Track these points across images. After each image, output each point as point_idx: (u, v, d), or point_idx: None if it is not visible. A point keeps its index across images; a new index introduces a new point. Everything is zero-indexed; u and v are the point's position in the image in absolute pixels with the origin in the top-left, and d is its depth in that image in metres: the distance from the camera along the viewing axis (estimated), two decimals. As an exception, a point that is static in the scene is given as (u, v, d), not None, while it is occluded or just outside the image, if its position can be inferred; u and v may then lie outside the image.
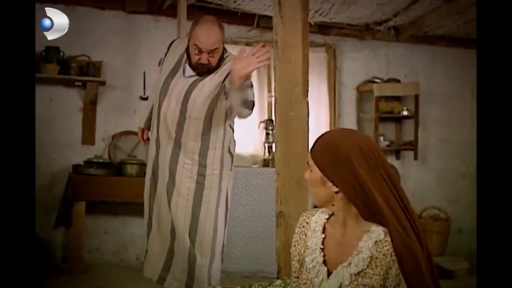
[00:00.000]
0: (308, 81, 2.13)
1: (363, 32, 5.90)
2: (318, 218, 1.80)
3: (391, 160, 6.06)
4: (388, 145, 5.94)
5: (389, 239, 1.64)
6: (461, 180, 6.39)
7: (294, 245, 1.83)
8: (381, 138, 5.90)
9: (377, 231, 1.67)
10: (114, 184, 4.77)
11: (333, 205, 1.80)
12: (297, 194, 2.07)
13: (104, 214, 5.20)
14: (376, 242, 1.65)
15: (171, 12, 5.22)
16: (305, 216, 1.85)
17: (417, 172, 6.16)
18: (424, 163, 6.20)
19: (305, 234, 1.80)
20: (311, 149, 1.73)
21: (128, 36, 5.34)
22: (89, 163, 4.82)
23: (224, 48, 3.08)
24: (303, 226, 1.83)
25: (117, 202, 5.02)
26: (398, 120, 6.14)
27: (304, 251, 1.78)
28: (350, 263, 1.66)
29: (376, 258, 1.64)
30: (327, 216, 1.79)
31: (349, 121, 6.02)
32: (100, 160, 4.89)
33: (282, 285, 2.09)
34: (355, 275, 1.65)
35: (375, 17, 5.48)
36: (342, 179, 1.67)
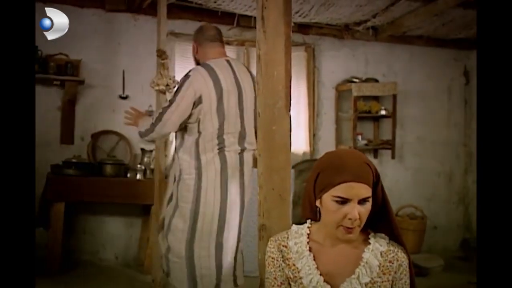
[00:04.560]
0: (290, 95, 2.15)
1: (342, 31, 5.93)
2: (297, 240, 1.79)
3: (369, 158, 6.12)
4: (366, 144, 6.00)
5: (391, 247, 1.75)
6: (437, 178, 6.50)
7: (274, 271, 1.80)
8: (359, 137, 5.97)
9: (378, 242, 1.76)
10: (94, 185, 4.76)
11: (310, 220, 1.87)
12: (279, 208, 2.08)
13: (82, 214, 5.18)
14: (381, 252, 1.73)
15: (151, 11, 5.19)
16: (280, 240, 1.82)
17: (394, 171, 6.24)
18: (401, 161, 6.29)
19: (287, 258, 1.78)
20: (362, 179, 1.68)
21: (107, 35, 5.30)
22: (68, 163, 4.79)
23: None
24: (281, 251, 1.80)
25: (97, 202, 5.01)
26: (376, 119, 6.21)
27: (295, 276, 1.76)
28: (359, 275, 1.71)
29: (383, 266, 1.73)
30: (306, 236, 1.80)
31: (327, 120, 6.07)
32: (79, 161, 4.86)
33: (265, 297, 2.12)
34: (365, 285, 1.70)
35: (354, 18, 5.52)
36: (380, 192, 1.76)
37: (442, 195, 6.51)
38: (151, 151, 5.13)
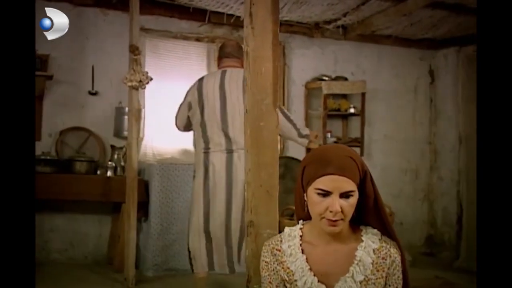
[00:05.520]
0: (278, 91, 2.16)
1: (312, 30, 5.97)
2: (291, 242, 1.81)
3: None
4: (335, 142, 6.05)
5: (384, 244, 1.77)
6: (403, 175, 6.61)
7: (269, 275, 1.82)
8: (329, 134, 6.01)
9: (371, 239, 1.77)
10: (63, 182, 4.67)
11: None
12: (267, 204, 2.08)
13: (50, 212, 5.06)
14: (374, 250, 1.75)
15: (120, 6, 5.14)
16: (273, 244, 1.84)
17: (362, 168, 6.29)
18: (370, 159, 6.36)
19: (281, 262, 1.80)
20: (344, 172, 1.70)
21: (76, 29, 5.17)
22: (36, 160, 4.68)
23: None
24: (275, 254, 1.82)
25: (66, 200, 4.90)
26: (345, 117, 6.27)
27: (289, 278, 1.78)
28: (353, 273, 1.73)
29: (377, 263, 1.75)
30: (299, 238, 1.82)
31: (297, 118, 6.02)
32: (48, 157, 4.75)
33: (253, 293, 2.12)
34: (360, 282, 1.72)
35: (325, 16, 5.56)
36: (369, 187, 1.77)
37: (408, 192, 6.62)
38: (121, 147, 5.07)
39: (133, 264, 4.40)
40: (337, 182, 1.69)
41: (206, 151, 3.69)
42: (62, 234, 5.13)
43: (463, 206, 6.18)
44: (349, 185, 1.70)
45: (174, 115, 3.98)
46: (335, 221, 1.69)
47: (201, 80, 3.84)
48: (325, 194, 1.69)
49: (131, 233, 4.37)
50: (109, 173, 4.92)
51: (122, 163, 5.00)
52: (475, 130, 5.89)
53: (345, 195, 1.69)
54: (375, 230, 1.81)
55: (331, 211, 1.68)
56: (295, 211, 1.90)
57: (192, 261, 3.72)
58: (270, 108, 2.13)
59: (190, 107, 3.78)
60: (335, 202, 1.68)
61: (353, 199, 1.71)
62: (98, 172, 4.96)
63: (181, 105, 3.89)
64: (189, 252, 3.73)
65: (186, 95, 3.86)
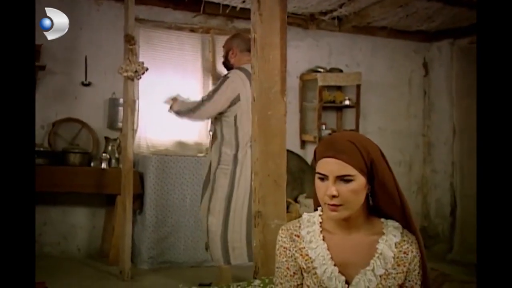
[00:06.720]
0: (286, 80, 2.12)
1: (307, 21, 5.92)
2: (310, 228, 1.76)
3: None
4: (329, 134, 6.03)
5: (405, 238, 1.72)
6: (397, 167, 6.59)
7: (286, 261, 1.76)
8: (323, 126, 5.99)
9: (392, 232, 1.72)
10: (57, 174, 4.60)
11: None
12: (274, 194, 2.06)
13: (42, 204, 4.97)
14: (395, 243, 1.70)
15: (114, -5, 5.08)
16: (292, 229, 1.78)
17: (357, 160, 6.27)
18: (364, 151, 6.34)
19: (300, 248, 1.74)
20: (340, 155, 1.64)
21: (69, 19, 5.09)
22: (29, 151, 4.61)
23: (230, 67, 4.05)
24: (294, 240, 1.76)
25: (59, 192, 4.83)
26: (339, 109, 6.24)
27: (308, 266, 1.73)
28: (373, 266, 1.69)
29: (398, 257, 1.70)
30: (319, 225, 1.76)
31: (292, 110, 6.04)
32: (41, 149, 4.68)
33: (261, 285, 2.09)
34: (380, 276, 1.68)
35: (321, 7, 5.52)
36: (382, 176, 1.69)
37: (402, 184, 6.56)
38: (115, 139, 5.01)
39: (129, 257, 4.34)
40: (331, 165, 1.64)
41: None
42: (55, 227, 5.06)
43: (457, 198, 6.19)
44: (345, 168, 1.64)
45: (200, 106, 3.91)
46: (334, 206, 1.65)
47: (248, 73, 3.69)
48: (323, 178, 1.66)
49: (127, 225, 4.31)
50: (103, 165, 4.86)
51: (116, 155, 4.94)
52: (468, 123, 5.94)
53: (342, 179, 1.64)
54: (396, 224, 1.75)
55: (326, 195, 1.65)
56: (313, 198, 1.85)
57: (230, 252, 3.80)
58: (278, 96, 2.11)
59: (238, 99, 3.79)
60: (330, 186, 1.64)
61: (354, 185, 1.65)
62: (92, 164, 4.90)
63: (220, 95, 3.83)
64: (224, 243, 3.80)
65: (230, 87, 3.83)
